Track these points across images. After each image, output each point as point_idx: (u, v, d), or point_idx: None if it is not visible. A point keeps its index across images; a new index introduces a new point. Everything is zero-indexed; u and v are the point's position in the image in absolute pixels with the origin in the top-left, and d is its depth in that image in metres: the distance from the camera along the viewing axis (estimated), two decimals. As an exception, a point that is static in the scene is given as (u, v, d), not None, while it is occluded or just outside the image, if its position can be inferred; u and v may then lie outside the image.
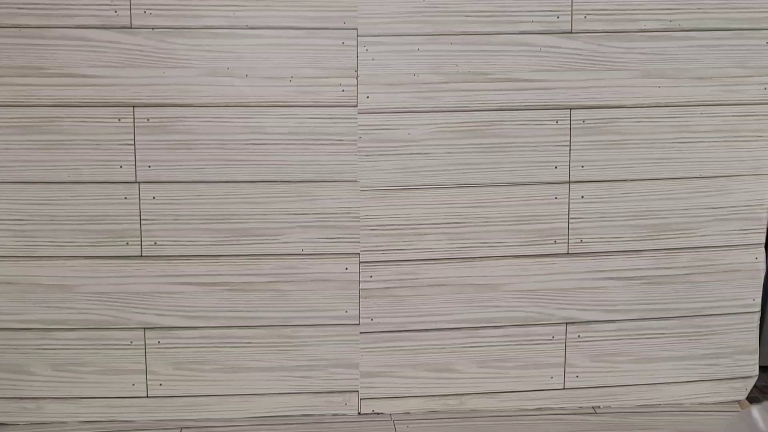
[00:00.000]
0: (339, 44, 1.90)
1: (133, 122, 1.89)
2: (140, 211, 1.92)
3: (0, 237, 1.92)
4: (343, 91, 1.92)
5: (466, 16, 1.92)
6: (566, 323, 2.04)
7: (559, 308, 2.03)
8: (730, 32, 1.96)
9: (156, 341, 1.97)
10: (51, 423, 1.99)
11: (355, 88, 1.92)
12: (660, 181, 2.00)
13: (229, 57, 1.89)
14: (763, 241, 2.06)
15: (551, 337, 2.04)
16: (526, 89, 1.95)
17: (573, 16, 1.93)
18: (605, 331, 2.05)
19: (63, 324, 1.96)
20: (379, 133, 1.94)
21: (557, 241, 2.00)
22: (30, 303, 1.95)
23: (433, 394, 2.04)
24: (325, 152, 1.94)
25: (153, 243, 1.94)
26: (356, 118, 1.93)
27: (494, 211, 1.99)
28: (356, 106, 1.93)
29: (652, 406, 2.09)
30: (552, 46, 1.94)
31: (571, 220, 2.00)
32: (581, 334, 2.05)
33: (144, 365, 1.98)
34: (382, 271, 1.99)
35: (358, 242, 1.98)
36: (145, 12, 1.86)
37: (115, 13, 1.85)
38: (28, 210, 1.91)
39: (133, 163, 1.90)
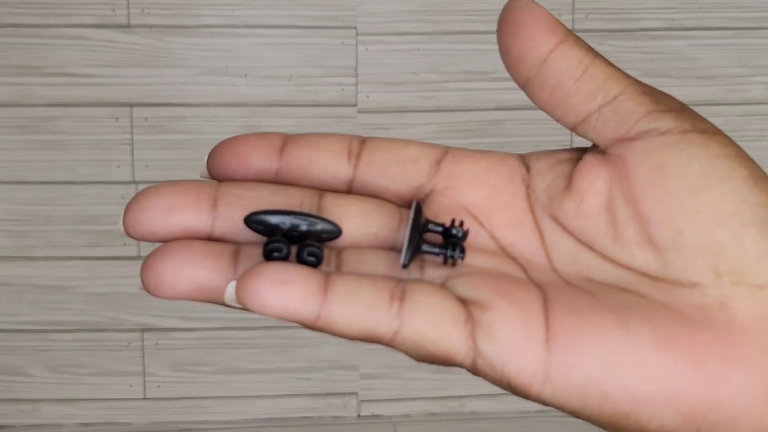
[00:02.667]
0: (338, 43, 1.89)
1: (131, 122, 1.88)
2: (138, 212, 1.91)
3: (-4, 237, 1.91)
4: (343, 90, 1.91)
5: (467, 15, 1.91)
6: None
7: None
8: (732, 31, 1.95)
9: (154, 342, 1.96)
10: (48, 425, 1.98)
11: (355, 87, 1.91)
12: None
13: (228, 56, 1.88)
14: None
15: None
16: (527, 89, 1.94)
17: (574, 15, 1.93)
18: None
19: (59, 325, 1.95)
20: (379, 133, 1.93)
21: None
22: (26, 304, 1.93)
23: (433, 396, 2.03)
24: (325, 152, 1.93)
25: (150, 244, 1.92)
26: (356, 118, 1.92)
27: (495, 211, 1.98)
28: (356, 105, 1.92)
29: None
30: (553, 45, 1.93)
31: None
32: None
33: (142, 367, 1.97)
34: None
35: (358, 243, 1.97)
36: (143, 11, 1.85)
37: (113, 12, 1.84)
38: (25, 210, 1.90)
39: (131, 162, 1.89)
